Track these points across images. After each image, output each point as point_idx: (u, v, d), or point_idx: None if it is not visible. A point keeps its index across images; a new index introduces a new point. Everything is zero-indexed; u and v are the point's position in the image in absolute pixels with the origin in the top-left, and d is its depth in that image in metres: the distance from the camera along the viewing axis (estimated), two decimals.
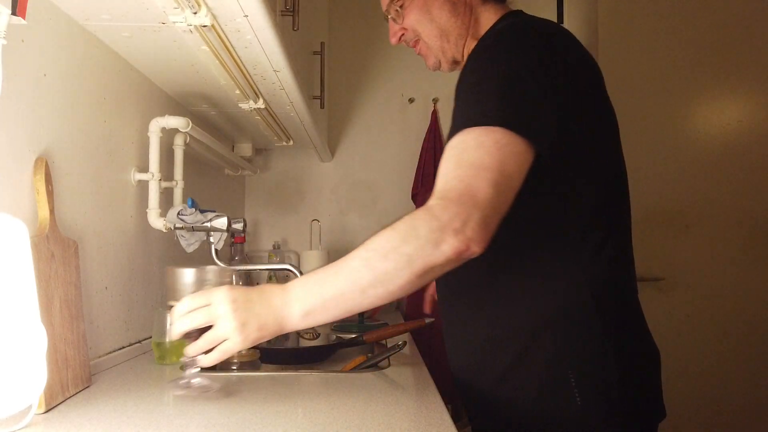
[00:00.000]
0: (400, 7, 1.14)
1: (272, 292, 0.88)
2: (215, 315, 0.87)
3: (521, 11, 1.12)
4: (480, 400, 1.07)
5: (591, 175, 1.01)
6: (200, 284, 0.92)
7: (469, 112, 0.91)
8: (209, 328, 0.87)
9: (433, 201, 0.86)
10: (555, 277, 0.99)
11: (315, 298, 0.86)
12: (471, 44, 1.13)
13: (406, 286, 0.85)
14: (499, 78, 0.93)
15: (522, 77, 0.92)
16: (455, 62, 1.16)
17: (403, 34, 1.18)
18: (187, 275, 0.93)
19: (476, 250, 0.84)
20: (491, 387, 1.03)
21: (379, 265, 0.84)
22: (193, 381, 0.92)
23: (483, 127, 0.88)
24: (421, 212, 0.85)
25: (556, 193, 0.98)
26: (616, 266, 1.02)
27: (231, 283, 0.94)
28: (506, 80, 0.92)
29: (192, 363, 0.92)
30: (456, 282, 1.09)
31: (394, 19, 1.17)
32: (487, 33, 1.10)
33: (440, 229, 0.83)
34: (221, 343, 0.86)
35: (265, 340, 0.88)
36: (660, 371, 1.06)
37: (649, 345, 1.05)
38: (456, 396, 1.21)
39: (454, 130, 0.91)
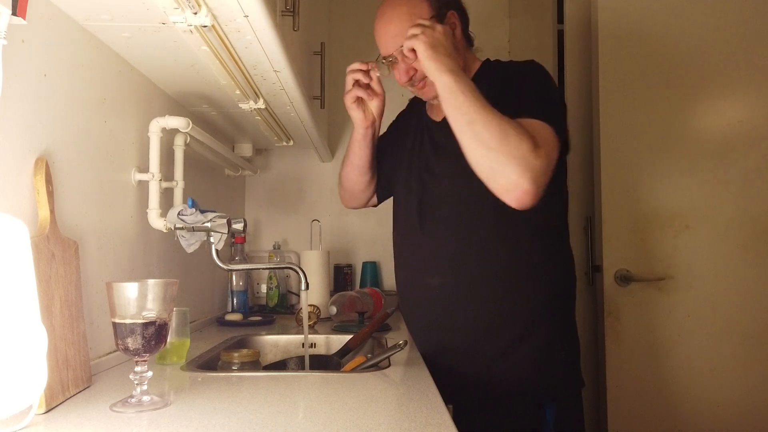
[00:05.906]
0: (411, 48, 1.21)
1: (455, 64, 1.17)
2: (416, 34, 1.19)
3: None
4: (476, 375, 1.24)
5: (564, 181, 1.28)
6: (143, 298, 0.92)
7: (543, 108, 1.18)
8: None
9: (535, 141, 1.11)
10: (551, 262, 1.21)
11: (463, 96, 1.12)
12: None
13: (487, 154, 1.11)
14: (553, 94, 1.26)
15: (559, 97, 1.29)
16: None
17: (414, 74, 1.27)
18: (130, 290, 0.93)
19: (530, 197, 1.09)
20: (489, 364, 1.21)
21: (492, 129, 1.09)
22: (143, 399, 0.92)
23: (551, 125, 1.16)
24: (531, 138, 1.10)
25: (552, 191, 1.18)
26: (572, 258, 1.32)
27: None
28: (557, 97, 1.28)
29: (141, 380, 0.92)
30: (467, 258, 1.25)
31: (403, 59, 1.26)
32: (484, 69, 1.34)
33: (525, 161, 1.08)
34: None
35: (439, 68, 1.15)
36: None
37: None
38: (456, 396, 1.21)
39: (531, 106, 1.18)
